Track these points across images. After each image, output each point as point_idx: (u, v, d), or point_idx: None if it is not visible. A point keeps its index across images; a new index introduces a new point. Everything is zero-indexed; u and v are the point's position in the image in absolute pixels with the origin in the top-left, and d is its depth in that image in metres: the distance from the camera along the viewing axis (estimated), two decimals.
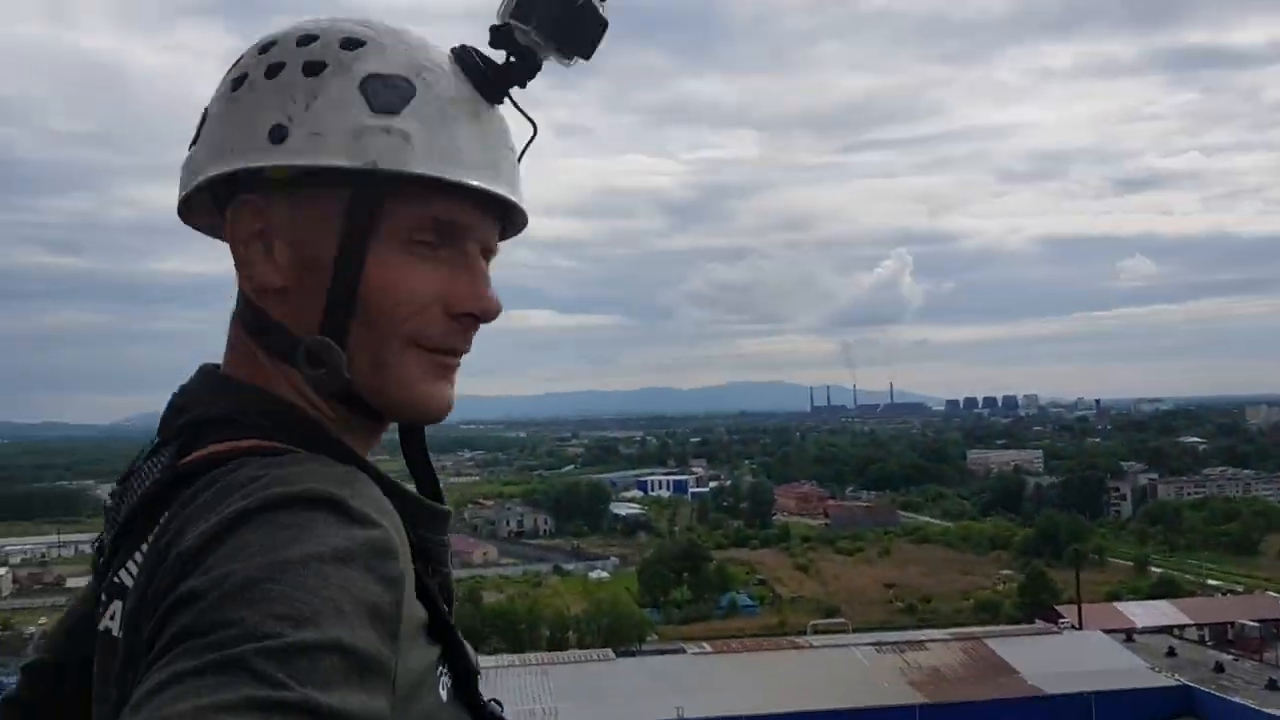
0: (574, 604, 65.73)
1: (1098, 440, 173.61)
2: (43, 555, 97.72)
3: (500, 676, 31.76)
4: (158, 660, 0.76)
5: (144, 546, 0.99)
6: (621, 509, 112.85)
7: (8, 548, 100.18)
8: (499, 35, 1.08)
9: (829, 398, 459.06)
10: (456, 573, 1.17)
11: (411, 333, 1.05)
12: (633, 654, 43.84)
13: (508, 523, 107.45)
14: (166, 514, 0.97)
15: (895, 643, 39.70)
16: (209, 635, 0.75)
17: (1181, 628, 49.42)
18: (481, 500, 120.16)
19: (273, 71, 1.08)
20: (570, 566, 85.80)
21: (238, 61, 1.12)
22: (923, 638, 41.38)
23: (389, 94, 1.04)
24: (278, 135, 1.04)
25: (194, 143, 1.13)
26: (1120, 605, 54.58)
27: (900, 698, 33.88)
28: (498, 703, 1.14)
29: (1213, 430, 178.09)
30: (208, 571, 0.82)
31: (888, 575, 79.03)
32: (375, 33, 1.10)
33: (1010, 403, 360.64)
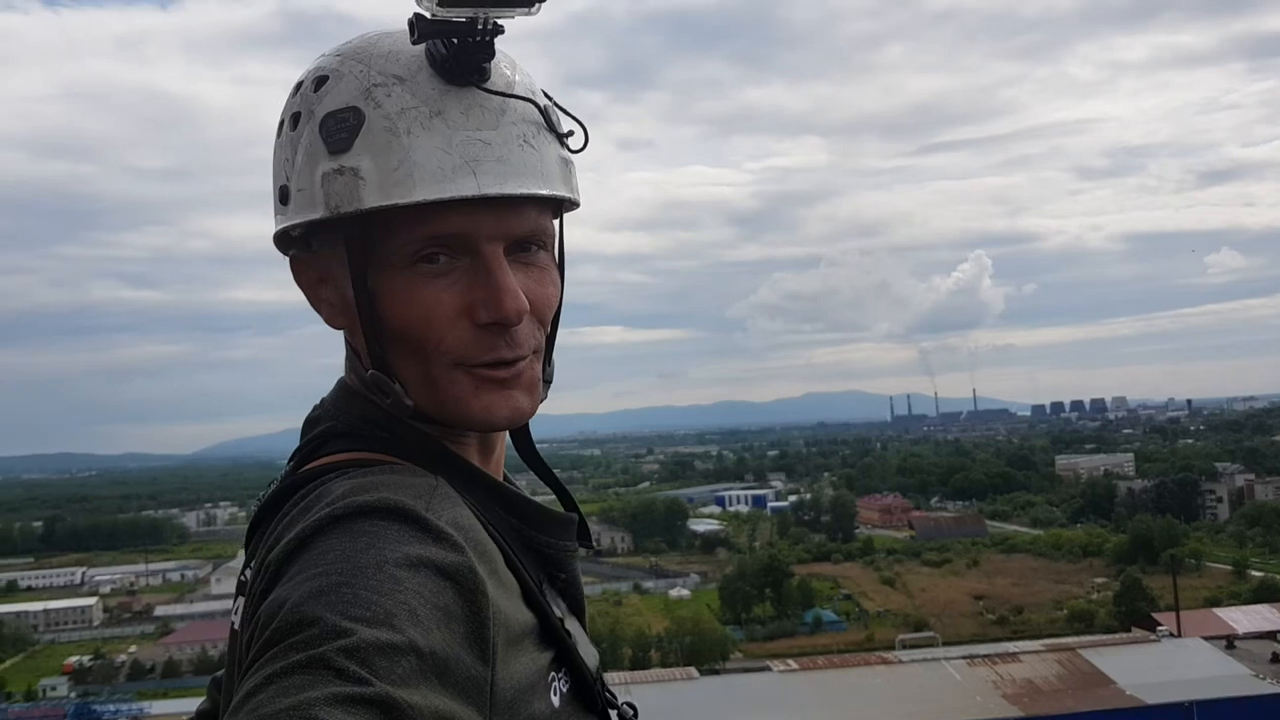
0: (655, 622, 65.23)
1: (1191, 441, 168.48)
2: (131, 584, 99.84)
3: None
4: (253, 664, 0.83)
5: (259, 549, 1.07)
6: (700, 525, 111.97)
7: (97, 577, 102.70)
8: (430, 24, 1.03)
9: (909, 406, 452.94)
10: None
11: (449, 354, 1.07)
12: (717, 672, 43.24)
13: None
14: (274, 521, 1.06)
15: (987, 656, 38.57)
16: (294, 637, 0.81)
17: None
18: None
19: (280, 128, 1.13)
20: (650, 584, 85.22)
21: None
22: (1016, 650, 40.25)
23: (339, 131, 1.05)
24: (284, 196, 1.11)
25: None
26: (1220, 611, 52.78)
27: (994, 711, 32.76)
28: (631, 706, 1.16)
29: None
30: (292, 578, 0.89)
31: (977, 587, 77.27)
32: (341, 59, 1.10)
33: (1098, 406, 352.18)
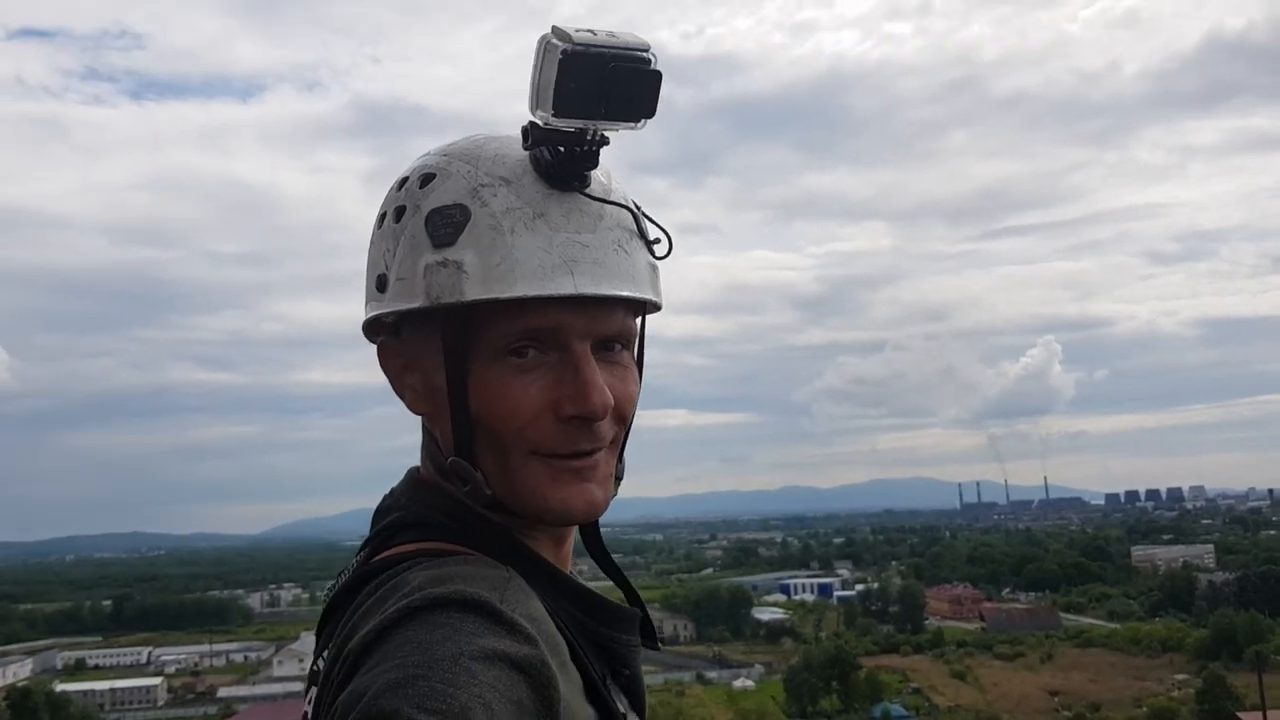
0: (719, 714, 64.09)
1: (1273, 532, 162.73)
2: (195, 664, 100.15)
3: None
4: None
5: (331, 639, 1.09)
6: (764, 614, 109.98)
7: (163, 657, 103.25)
8: (543, 131, 1.10)
9: (979, 494, 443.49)
10: None
11: (529, 444, 1.10)
12: None
13: None
14: (348, 611, 1.07)
15: None
16: None
17: None
18: None
19: (381, 220, 1.19)
20: (713, 675, 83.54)
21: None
22: None
23: (444, 226, 1.10)
24: (381, 284, 1.16)
25: None
26: None
27: None
28: None
29: None
30: (369, 669, 0.90)
31: (1052, 682, 74.62)
32: (450, 159, 1.16)
33: (1175, 495, 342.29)
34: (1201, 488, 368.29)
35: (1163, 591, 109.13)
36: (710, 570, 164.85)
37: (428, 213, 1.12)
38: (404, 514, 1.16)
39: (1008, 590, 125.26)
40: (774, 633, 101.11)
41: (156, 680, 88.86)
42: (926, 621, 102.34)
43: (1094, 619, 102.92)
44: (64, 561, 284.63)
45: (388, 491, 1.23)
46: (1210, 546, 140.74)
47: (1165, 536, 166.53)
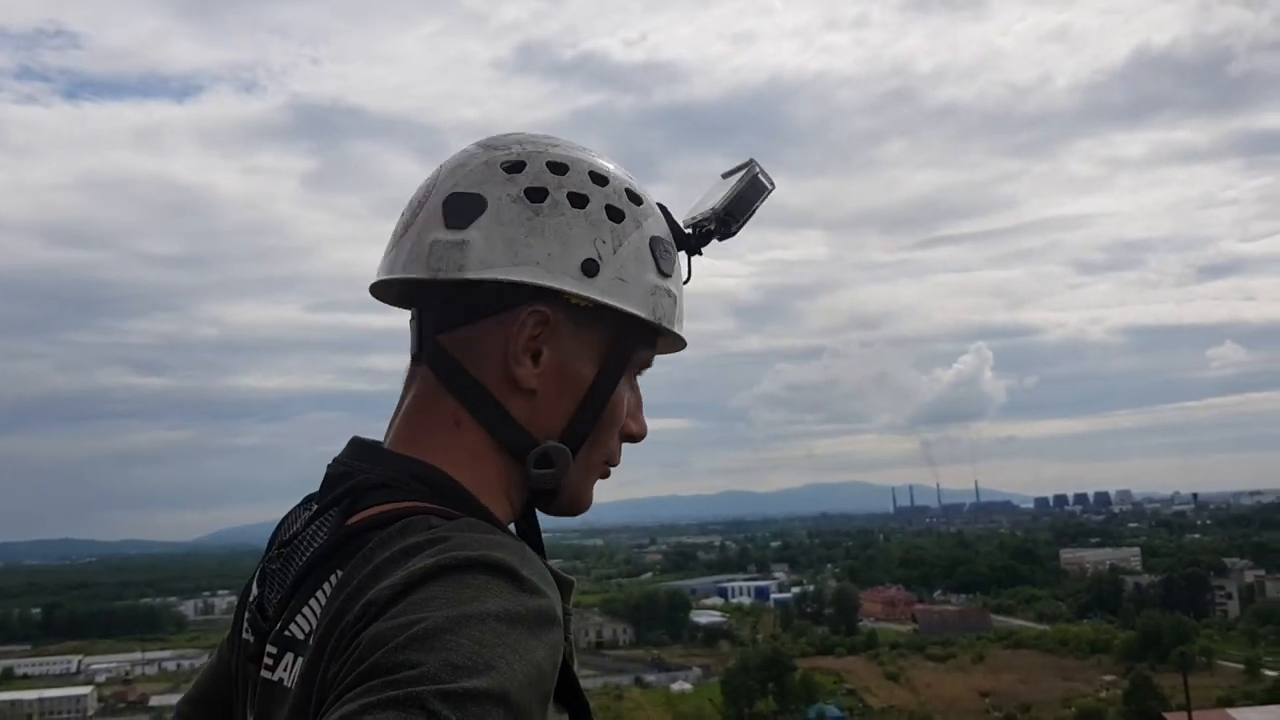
0: (657, 717, 64.44)
1: (1197, 536, 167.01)
2: (127, 673, 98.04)
3: None
4: (345, 694, 0.86)
5: (315, 599, 1.08)
6: (703, 617, 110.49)
7: (93, 666, 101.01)
8: (720, 222, 1.31)
9: (912, 498, 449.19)
10: None
11: (610, 453, 1.25)
12: None
13: (586, 633, 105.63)
14: (340, 570, 1.06)
15: None
16: (393, 674, 0.85)
17: None
18: None
19: (578, 201, 1.19)
20: (651, 678, 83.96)
21: (519, 165, 1.19)
22: None
23: (667, 259, 1.24)
24: (590, 269, 1.17)
25: (458, 223, 1.17)
26: (1234, 711, 51.81)
27: None
28: None
29: None
30: (394, 618, 0.91)
31: (983, 683, 76.01)
32: (641, 192, 1.26)
33: (1102, 499, 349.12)
34: (1128, 492, 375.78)
35: (1090, 594, 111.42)
36: (649, 574, 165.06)
37: (651, 237, 1.22)
38: (366, 477, 1.15)
39: (939, 592, 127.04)
40: (712, 636, 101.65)
41: (86, 689, 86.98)
42: (860, 623, 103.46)
43: (1023, 620, 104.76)
44: None
45: (333, 460, 1.22)
46: (1136, 549, 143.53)
47: (1093, 539, 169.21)
